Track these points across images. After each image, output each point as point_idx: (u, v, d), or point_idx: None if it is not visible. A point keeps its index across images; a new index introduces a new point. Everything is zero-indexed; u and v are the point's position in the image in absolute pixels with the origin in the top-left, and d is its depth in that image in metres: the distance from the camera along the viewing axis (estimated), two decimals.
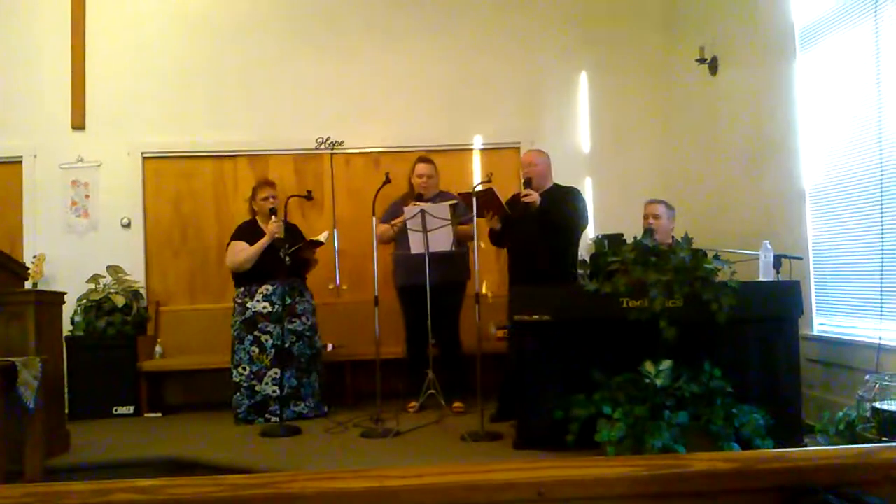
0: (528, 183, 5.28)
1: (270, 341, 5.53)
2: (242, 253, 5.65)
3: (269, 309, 5.57)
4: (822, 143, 4.94)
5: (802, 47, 5.08)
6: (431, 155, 6.16)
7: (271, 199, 5.71)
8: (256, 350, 5.55)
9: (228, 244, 5.79)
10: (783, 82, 5.25)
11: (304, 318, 5.68)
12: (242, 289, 5.68)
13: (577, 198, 5.44)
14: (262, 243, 5.57)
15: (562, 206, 5.31)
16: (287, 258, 5.46)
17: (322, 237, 5.62)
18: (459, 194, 5.35)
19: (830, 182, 4.87)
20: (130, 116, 6.78)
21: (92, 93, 6.77)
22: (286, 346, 5.54)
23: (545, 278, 5.02)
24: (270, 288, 5.60)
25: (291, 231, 5.79)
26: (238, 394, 5.60)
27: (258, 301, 5.57)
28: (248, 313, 5.60)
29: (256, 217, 5.80)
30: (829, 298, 4.97)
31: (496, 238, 5.47)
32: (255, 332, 5.55)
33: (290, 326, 5.59)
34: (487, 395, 5.06)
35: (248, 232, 5.71)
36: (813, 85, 5.01)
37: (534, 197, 5.19)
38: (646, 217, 5.24)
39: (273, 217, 5.60)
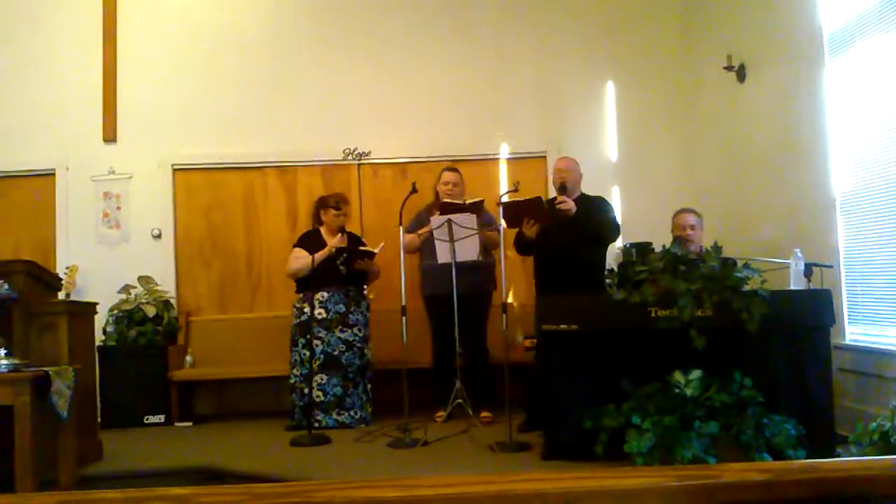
0: (562, 189, 5.23)
1: (321, 347, 5.64)
2: (299, 261, 5.80)
3: (324, 315, 5.70)
4: (853, 150, 4.88)
5: (831, 53, 5.03)
6: (458, 165, 6.18)
7: (342, 217, 5.87)
8: (307, 353, 5.64)
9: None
10: (812, 89, 5.20)
11: (356, 329, 5.77)
12: (302, 294, 5.82)
13: (609, 208, 5.43)
14: (322, 255, 5.67)
15: (598, 216, 5.30)
16: (342, 267, 5.68)
17: (377, 248, 5.68)
18: (502, 204, 5.27)
19: (861, 189, 4.81)
20: (161, 129, 6.87)
21: (123, 106, 6.87)
22: (335, 353, 5.66)
23: (576, 288, 4.99)
24: (326, 295, 5.73)
25: (353, 241, 5.91)
26: (293, 395, 5.75)
27: (314, 307, 5.67)
28: (304, 317, 5.72)
29: (321, 228, 5.91)
30: (861, 307, 4.90)
31: (524, 247, 5.44)
32: (308, 336, 5.63)
33: (341, 335, 5.71)
34: (515, 405, 5.04)
35: (311, 241, 5.81)
36: (843, 91, 4.95)
37: (569, 204, 5.15)
38: (682, 228, 5.17)
39: (340, 235, 5.76)
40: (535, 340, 5.49)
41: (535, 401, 5.24)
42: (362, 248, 5.74)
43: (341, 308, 5.76)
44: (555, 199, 5.29)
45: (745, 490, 1.48)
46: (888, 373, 4.48)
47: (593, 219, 5.27)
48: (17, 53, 6.84)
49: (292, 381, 5.77)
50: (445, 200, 5.58)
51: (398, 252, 5.44)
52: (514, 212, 5.18)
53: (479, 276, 5.64)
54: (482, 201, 5.47)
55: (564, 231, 5.19)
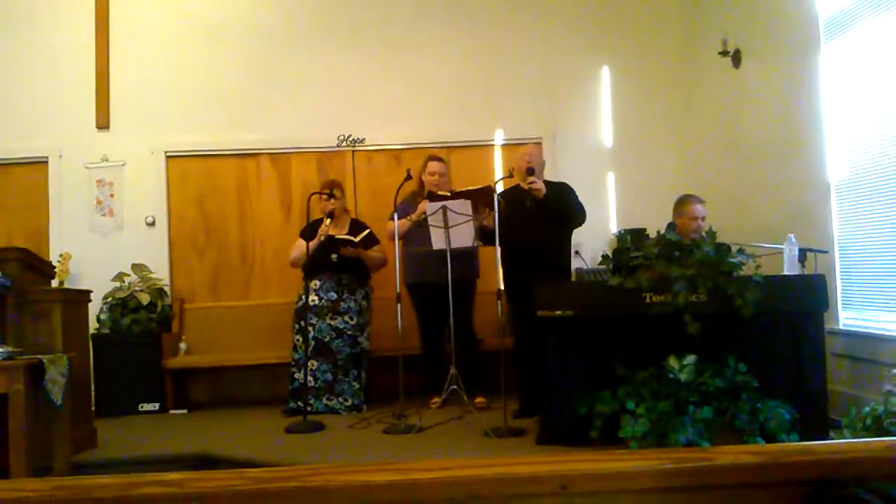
0: (531, 171, 5.23)
1: (312, 333, 5.69)
2: (295, 250, 5.91)
3: (316, 302, 5.75)
4: (849, 135, 4.88)
5: (827, 38, 5.02)
6: (452, 151, 6.17)
7: (332, 202, 5.83)
8: (300, 339, 5.71)
9: None
10: (808, 74, 5.20)
11: (347, 317, 5.78)
12: (304, 282, 5.85)
13: (573, 192, 5.43)
14: (314, 243, 5.68)
15: (563, 199, 5.31)
16: (333, 255, 5.72)
17: (359, 237, 5.67)
18: (453, 192, 5.32)
19: (857, 175, 4.82)
20: (154, 116, 6.84)
21: (116, 93, 6.83)
22: (325, 340, 5.70)
23: (542, 273, 5.00)
24: (318, 283, 5.79)
25: (355, 226, 5.91)
26: (288, 379, 5.84)
27: (309, 294, 5.72)
28: (300, 304, 5.80)
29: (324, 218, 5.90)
30: (855, 292, 4.91)
31: (487, 236, 5.39)
32: (302, 323, 5.69)
33: (331, 322, 5.74)
34: (510, 391, 5.05)
35: (309, 230, 5.81)
36: (838, 77, 4.95)
37: (540, 185, 5.17)
38: (694, 218, 5.10)
39: (328, 221, 5.76)
40: (508, 323, 5.52)
41: (526, 387, 5.25)
42: (340, 236, 5.72)
43: (333, 296, 5.77)
44: (518, 186, 5.35)
45: (740, 472, 1.49)
46: (881, 357, 4.49)
47: (559, 202, 5.28)
48: (10, 41, 6.78)
49: (290, 365, 5.84)
50: (431, 191, 5.55)
51: (393, 239, 5.43)
52: (474, 199, 5.17)
53: (462, 264, 5.60)
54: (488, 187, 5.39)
55: (531, 216, 5.20)
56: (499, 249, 5.16)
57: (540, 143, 6.86)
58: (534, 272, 5.02)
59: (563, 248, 5.40)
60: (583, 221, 5.42)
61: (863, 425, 3.85)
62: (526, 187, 5.21)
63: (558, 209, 5.26)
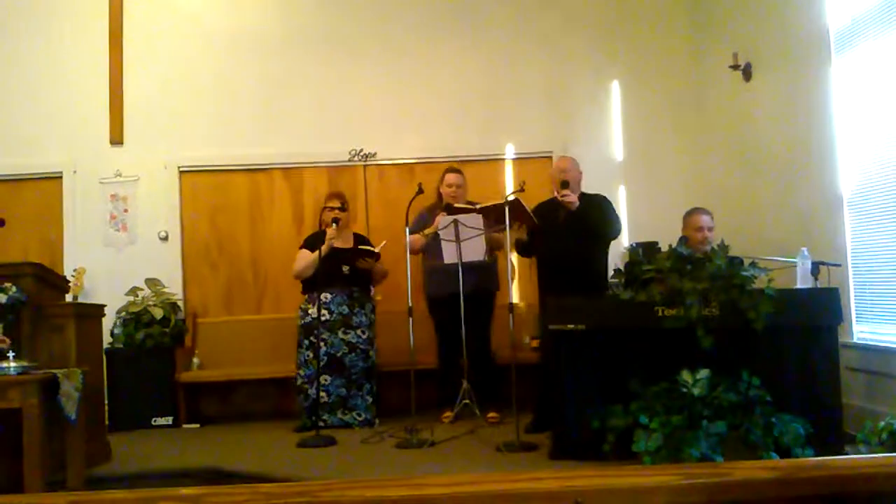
0: (565, 185, 5.22)
1: (324, 348, 5.64)
2: (302, 260, 5.84)
3: (327, 316, 5.70)
4: (861, 148, 4.86)
5: (838, 51, 5.01)
6: (463, 165, 6.18)
7: (336, 211, 5.81)
8: (310, 355, 5.66)
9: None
10: (819, 87, 5.18)
11: (359, 331, 5.77)
12: (307, 295, 5.84)
13: (610, 205, 5.42)
14: (325, 249, 5.65)
15: (599, 213, 5.30)
16: (345, 268, 5.67)
17: (378, 247, 5.67)
18: (482, 207, 5.33)
19: (869, 187, 4.79)
20: (167, 131, 6.89)
21: (130, 109, 6.88)
22: (338, 355, 5.66)
23: (578, 286, 4.99)
24: (329, 296, 5.73)
25: (359, 241, 5.91)
26: (300, 396, 5.77)
27: (318, 308, 5.65)
28: (308, 319, 5.74)
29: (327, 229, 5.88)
30: (869, 306, 4.88)
31: (523, 248, 5.45)
32: (312, 338, 5.64)
33: (344, 337, 5.71)
34: (523, 406, 5.03)
35: (314, 241, 5.80)
36: (850, 89, 4.94)
37: (573, 197, 5.16)
38: (699, 230, 5.09)
39: (334, 226, 5.71)
40: (539, 340, 5.51)
41: (543, 402, 5.23)
42: (363, 247, 5.72)
43: (344, 309, 5.75)
44: (553, 199, 5.33)
45: (755, 487, 1.48)
46: None
47: (594, 215, 5.27)
48: (25, 57, 6.85)
49: (298, 382, 5.77)
50: (450, 203, 5.57)
51: (404, 253, 5.44)
52: (496, 214, 5.18)
53: (484, 277, 5.62)
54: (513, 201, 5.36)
55: (566, 229, 5.19)
56: (513, 260, 5.17)
57: (552, 156, 6.87)
58: (568, 286, 4.99)
59: (597, 261, 5.33)
60: (617, 234, 5.42)
61: (878, 440, 3.82)
62: (560, 200, 5.21)
63: (591, 222, 5.25)
